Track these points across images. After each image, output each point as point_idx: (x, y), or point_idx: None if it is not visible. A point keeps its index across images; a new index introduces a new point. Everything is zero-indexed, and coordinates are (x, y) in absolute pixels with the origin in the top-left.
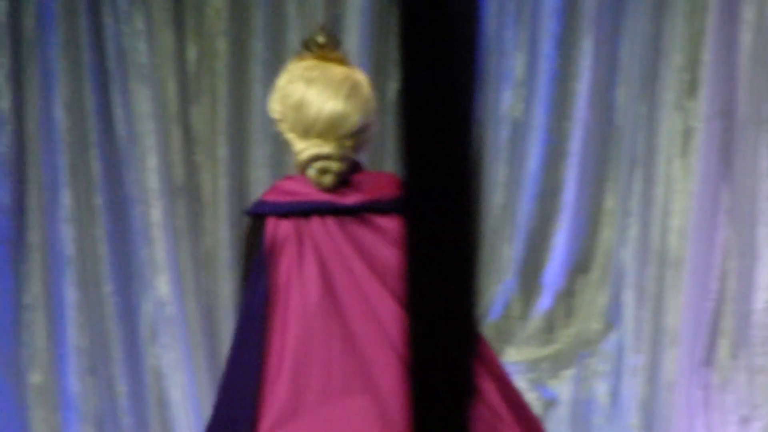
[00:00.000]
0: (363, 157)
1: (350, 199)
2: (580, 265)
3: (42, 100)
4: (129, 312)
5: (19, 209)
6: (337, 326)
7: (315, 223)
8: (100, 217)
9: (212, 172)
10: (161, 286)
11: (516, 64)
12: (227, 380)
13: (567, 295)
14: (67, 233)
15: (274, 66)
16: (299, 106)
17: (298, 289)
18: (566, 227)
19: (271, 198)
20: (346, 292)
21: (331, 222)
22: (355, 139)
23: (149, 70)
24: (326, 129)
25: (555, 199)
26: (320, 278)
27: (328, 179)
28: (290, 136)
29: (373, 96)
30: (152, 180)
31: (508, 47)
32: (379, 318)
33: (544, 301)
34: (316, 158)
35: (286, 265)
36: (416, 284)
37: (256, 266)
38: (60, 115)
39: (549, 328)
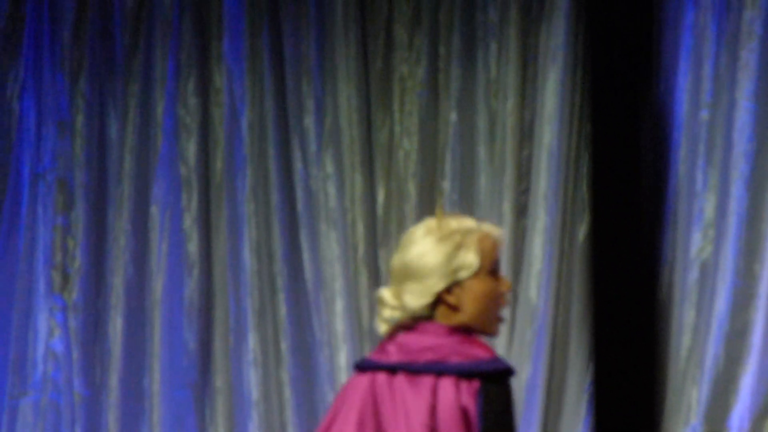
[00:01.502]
0: (449, 319)
1: (392, 357)
2: (767, 409)
3: (230, 243)
4: None
5: (205, 353)
6: None
7: (367, 380)
8: (286, 361)
9: None
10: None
11: (706, 205)
12: None
13: None
14: (252, 377)
15: (464, 208)
16: None
17: None
18: (753, 370)
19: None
20: None
21: (381, 379)
22: (418, 292)
23: (338, 213)
24: (391, 275)
25: (743, 342)
26: None
27: (381, 327)
28: None
29: (451, 259)
30: (339, 323)
31: (698, 189)
32: None
33: None
34: (378, 302)
35: (332, 415)
36: (603, 425)
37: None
38: (248, 258)
39: None
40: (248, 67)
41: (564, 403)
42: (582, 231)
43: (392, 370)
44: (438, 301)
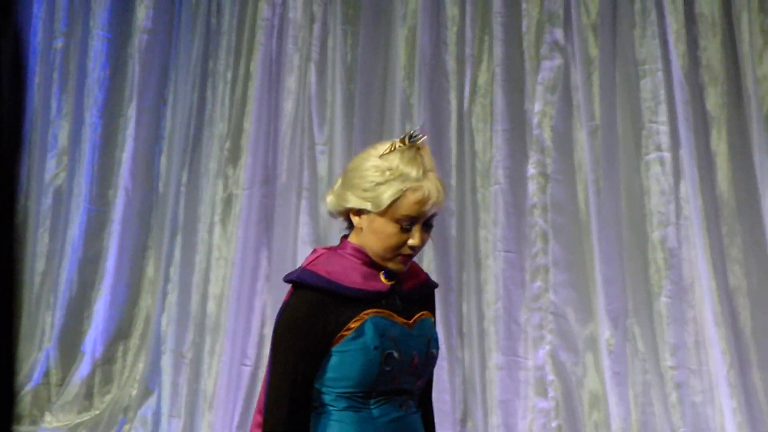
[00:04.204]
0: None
1: None
2: (120, 332)
3: None
4: None
5: None
6: None
7: None
8: None
9: None
10: None
11: (60, 132)
12: None
13: (106, 362)
14: None
15: None
16: None
17: None
18: (107, 294)
19: None
20: None
21: None
22: (337, 196)
23: None
24: None
25: (97, 267)
26: None
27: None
28: None
29: (369, 189)
30: None
31: (52, 116)
32: None
33: (83, 368)
34: None
35: None
36: None
37: None
38: None
39: (88, 395)
40: None
41: None
42: None
43: None
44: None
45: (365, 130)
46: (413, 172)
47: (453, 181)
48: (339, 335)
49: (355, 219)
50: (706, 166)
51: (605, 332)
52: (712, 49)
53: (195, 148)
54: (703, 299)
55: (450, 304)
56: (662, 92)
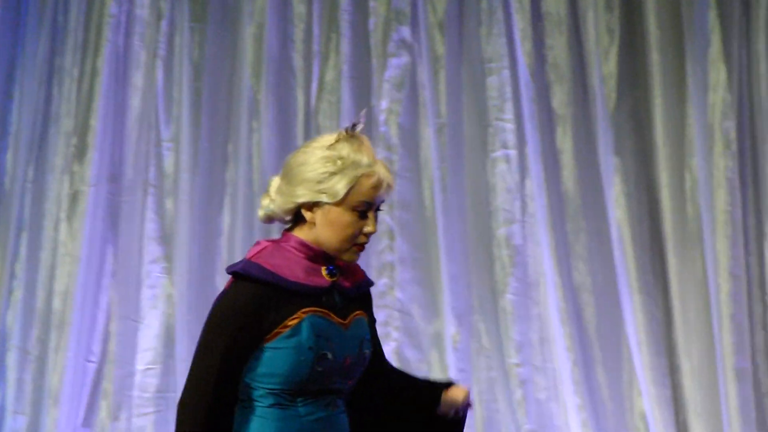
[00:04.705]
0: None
1: None
2: None
3: None
4: None
5: None
6: None
7: None
8: None
9: None
10: None
11: None
12: None
13: None
14: None
15: None
16: None
17: None
18: None
19: None
20: None
21: None
22: (285, 194)
23: None
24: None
25: None
26: None
27: (259, 212)
28: None
29: (322, 180)
30: None
31: None
32: None
33: None
34: (267, 188)
35: None
36: None
37: None
38: None
39: None
40: None
41: None
42: None
43: None
44: (300, 212)
45: (212, 127)
46: (364, 159)
47: None
48: (275, 332)
49: (307, 214)
50: (551, 164)
51: (450, 329)
52: (558, 48)
53: (41, 145)
54: (547, 296)
55: None
56: (508, 90)
